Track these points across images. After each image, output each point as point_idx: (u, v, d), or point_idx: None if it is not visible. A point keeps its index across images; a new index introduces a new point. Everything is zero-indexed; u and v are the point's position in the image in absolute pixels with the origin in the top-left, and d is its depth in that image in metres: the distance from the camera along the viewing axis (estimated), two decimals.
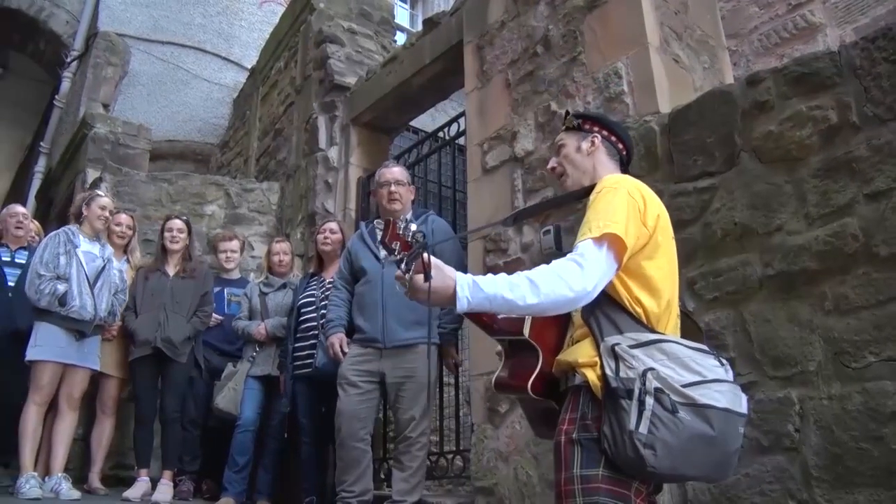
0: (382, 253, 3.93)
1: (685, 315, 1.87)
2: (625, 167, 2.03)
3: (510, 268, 3.65)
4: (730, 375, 1.68)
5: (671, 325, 1.77)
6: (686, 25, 3.56)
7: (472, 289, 1.58)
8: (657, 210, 1.82)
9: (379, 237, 1.62)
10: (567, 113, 2.11)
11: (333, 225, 4.72)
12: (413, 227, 1.59)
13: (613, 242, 1.66)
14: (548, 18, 3.80)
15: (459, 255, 3.97)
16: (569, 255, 1.66)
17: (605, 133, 2.02)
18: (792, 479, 2.30)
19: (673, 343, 1.65)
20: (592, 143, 1.99)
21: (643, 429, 1.50)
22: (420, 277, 1.56)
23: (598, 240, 1.66)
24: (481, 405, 3.69)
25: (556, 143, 2.09)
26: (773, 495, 2.33)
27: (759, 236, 2.54)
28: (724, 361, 1.70)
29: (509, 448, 3.45)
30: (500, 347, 1.93)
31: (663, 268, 1.78)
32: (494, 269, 3.74)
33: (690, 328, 1.86)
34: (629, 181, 1.84)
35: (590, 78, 3.45)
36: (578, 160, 2.00)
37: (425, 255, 1.56)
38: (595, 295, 1.63)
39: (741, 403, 1.62)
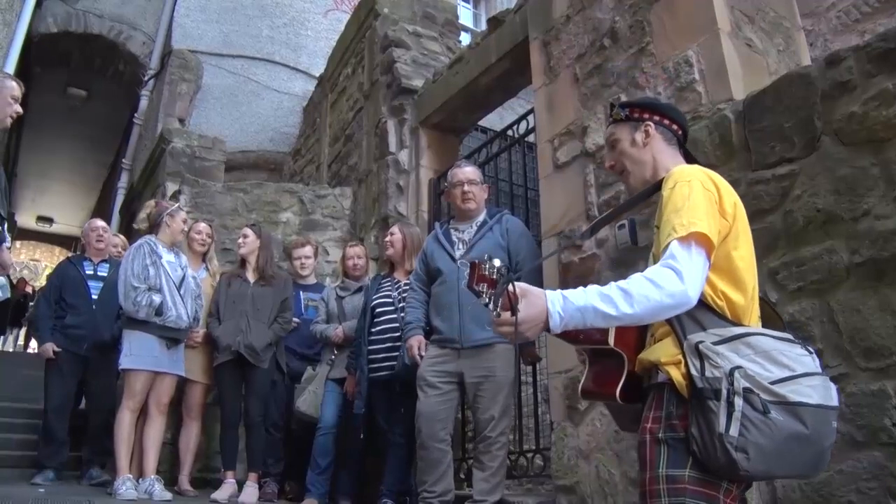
0: (457, 253, 3.94)
1: (764, 302, 1.79)
2: (683, 148, 1.94)
3: (585, 264, 3.62)
4: (818, 365, 1.61)
5: (755, 317, 1.71)
6: (758, 7, 3.45)
7: (564, 303, 1.54)
8: (732, 198, 1.74)
9: (465, 282, 1.57)
10: (612, 104, 2.02)
11: (394, 228, 4.75)
12: (497, 262, 1.53)
13: (701, 241, 1.59)
14: (613, 10, 3.74)
15: (535, 255, 3.94)
16: (661, 261, 1.60)
17: (656, 118, 1.91)
18: (891, 476, 2.19)
19: (759, 336, 1.58)
20: (647, 133, 1.89)
21: (734, 431, 1.44)
22: (507, 314, 1.52)
23: (685, 240, 1.59)
24: (560, 403, 3.66)
25: (608, 139, 2.00)
26: (872, 493, 2.23)
27: (844, 222, 2.44)
28: (812, 350, 1.63)
29: (590, 446, 3.42)
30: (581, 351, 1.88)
31: (745, 258, 1.71)
32: (569, 266, 3.71)
33: (770, 316, 1.79)
34: (700, 171, 1.75)
35: (659, 68, 3.38)
36: (636, 154, 1.90)
37: (510, 287, 1.51)
38: (697, 300, 1.57)
39: (832, 396, 1.55)
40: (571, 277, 3.66)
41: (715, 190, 1.70)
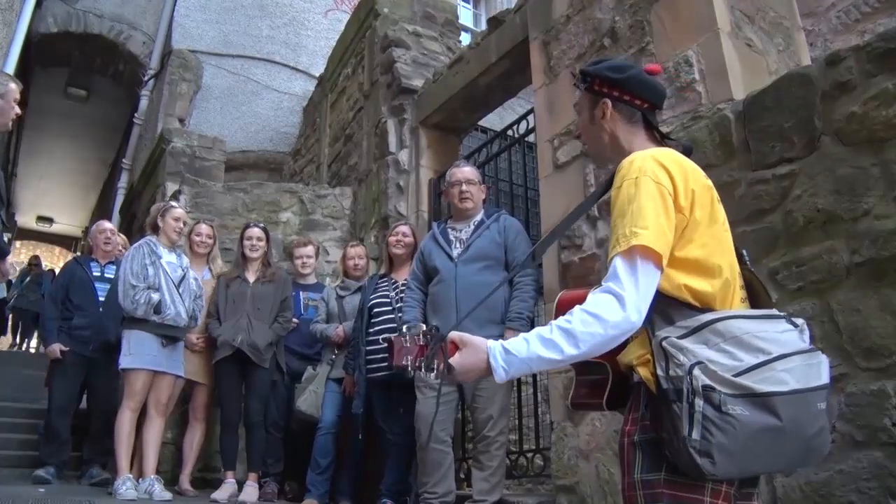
0: (455, 252, 3.94)
1: (752, 275, 1.67)
2: (652, 118, 1.75)
3: (585, 264, 3.62)
4: (805, 339, 1.48)
5: (736, 299, 1.59)
6: (758, 7, 3.45)
7: (506, 356, 1.47)
8: (691, 183, 1.56)
9: (390, 363, 1.51)
10: (574, 72, 1.87)
11: (406, 228, 4.69)
12: (423, 326, 1.49)
13: (646, 253, 1.46)
14: (613, 10, 3.74)
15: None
16: (604, 282, 1.51)
17: (615, 93, 1.71)
18: (891, 476, 2.19)
19: (731, 319, 1.46)
20: (603, 112, 1.72)
21: (696, 435, 1.34)
22: (442, 366, 1.47)
23: (628, 254, 1.47)
24: (560, 403, 3.66)
25: (574, 105, 1.83)
26: (872, 493, 2.23)
27: (844, 222, 2.44)
28: (799, 323, 1.52)
29: (590, 446, 3.41)
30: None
31: (708, 244, 1.56)
32: (570, 266, 3.71)
33: (758, 291, 1.67)
34: (651, 161, 1.56)
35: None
36: (594, 133, 1.76)
37: (443, 342, 1.47)
38: (643, 320, 1.46)
39: (819, 374, 1.42)
40: (571, 277, 3.66)
41: (669, 182, 1.54)
